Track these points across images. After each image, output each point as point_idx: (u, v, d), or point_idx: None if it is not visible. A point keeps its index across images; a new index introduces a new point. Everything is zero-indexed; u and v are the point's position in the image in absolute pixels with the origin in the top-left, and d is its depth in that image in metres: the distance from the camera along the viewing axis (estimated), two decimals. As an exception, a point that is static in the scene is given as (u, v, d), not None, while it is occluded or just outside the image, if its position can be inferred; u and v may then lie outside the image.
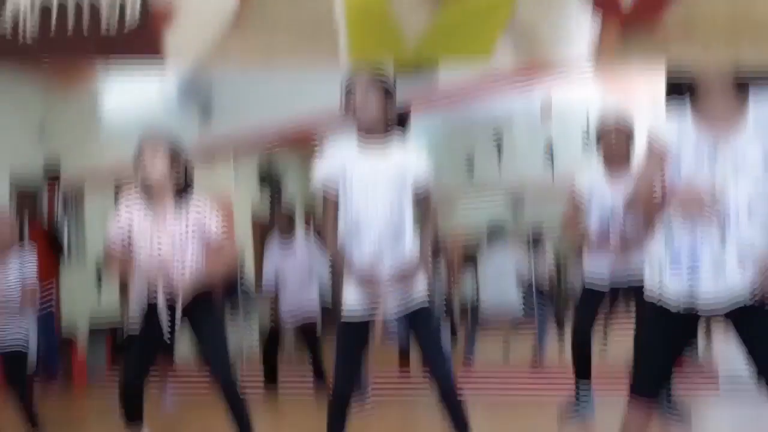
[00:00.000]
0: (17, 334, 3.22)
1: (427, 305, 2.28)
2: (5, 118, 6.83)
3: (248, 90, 5.87)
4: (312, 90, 5.21)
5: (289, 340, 5.61)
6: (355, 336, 2.29)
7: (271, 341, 4.86)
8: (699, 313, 1.77)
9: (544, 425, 3.27)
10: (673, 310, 1.79)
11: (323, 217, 2.29)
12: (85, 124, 7.00)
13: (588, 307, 3.34)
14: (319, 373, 4.64)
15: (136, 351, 2.84)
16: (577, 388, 3.31)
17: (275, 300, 4.80)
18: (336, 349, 2.32)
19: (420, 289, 2.26)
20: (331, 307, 5.71)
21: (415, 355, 2.51)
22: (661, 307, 1.82)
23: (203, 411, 4.51)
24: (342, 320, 2.28)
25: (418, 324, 2.29)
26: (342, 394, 2.29)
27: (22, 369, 3.28)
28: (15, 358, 3.23)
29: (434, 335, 2.30)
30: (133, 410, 2.85)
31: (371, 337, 2.43)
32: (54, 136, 7.24)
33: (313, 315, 4.78)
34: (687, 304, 1.76)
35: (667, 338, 1.86)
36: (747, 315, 1.73)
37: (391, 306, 2.22)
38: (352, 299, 2.23)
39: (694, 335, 2.03)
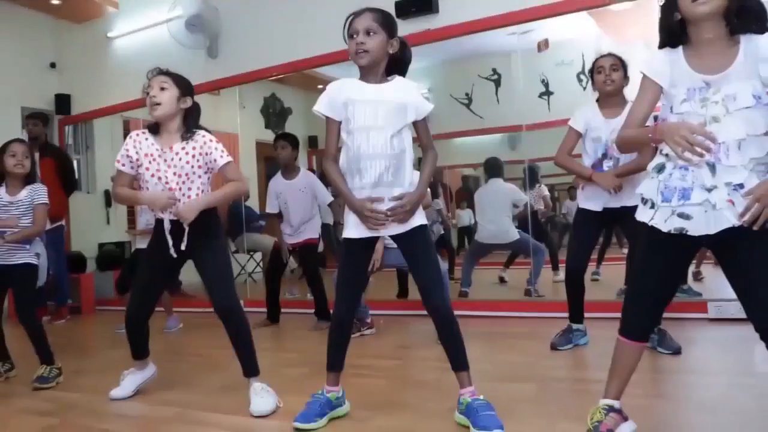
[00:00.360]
0: (29, 251, 3.33)
1: (424, 226, 2.34)
2: (18, 54, 6.87)
3: (255, 26, 5.86)
4: (318, 29, 5.21)
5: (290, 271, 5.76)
6: (357, 252, 2.38)
7: (273, 266, 4.96)
8: (689, 233, 1.81)
9: (539, 354, 3.36)
10: (665, 229, 1.85)
11: (326, 140, 2.34)
12: (95, 60, 7.01)
13: (583, 233, 3.38)
14: (320, 313, 4.73)
15: (144, 269, 2.88)
16: (571, 328, 3.45)
17: (277, 223, 4.89)
18: (338, 268, 2.43)
19: (418, 214, 2.33)
20: (332, 225, 5.84)
21: (413, 286, 2.59)
22: (652, 227, 1.88)
23: (205, 334, 4.72)
24: (344, 237, 2.37)
25: (416, 243, 2.32)
26: (343, 316, 2.41)
27: (32, 282, 3.35)
28: (25, 272, 3.31)
29: (430, 256, 2.31)
30: (138, 346, 3.00)
31: (372, 258, 2.49)
32: (65, 72, 7.26)
33: (314, 237, 4.87)
34: (678, 225, 1.82)
35: (659, 264, 1.91)
36: (736, 238, 1.76)
37: (390, 230, 2.30)
38: (352, 225, 2.32)
39: (686, 263, 2.08)
